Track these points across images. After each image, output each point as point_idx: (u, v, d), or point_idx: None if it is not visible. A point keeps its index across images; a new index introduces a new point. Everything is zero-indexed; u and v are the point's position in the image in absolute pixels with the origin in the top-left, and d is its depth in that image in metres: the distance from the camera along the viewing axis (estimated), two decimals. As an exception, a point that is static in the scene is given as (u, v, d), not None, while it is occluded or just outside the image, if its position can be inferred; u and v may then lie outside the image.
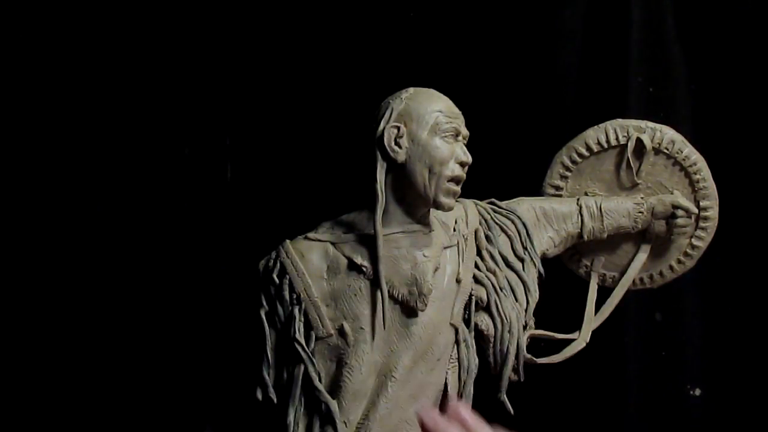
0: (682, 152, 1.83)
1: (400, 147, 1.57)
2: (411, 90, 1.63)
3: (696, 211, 1.83)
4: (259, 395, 1.64)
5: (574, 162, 1.88)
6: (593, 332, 1.84)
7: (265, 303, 1.65)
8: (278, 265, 1.64)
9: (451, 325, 1.64)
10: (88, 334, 2.33)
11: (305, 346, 1.59)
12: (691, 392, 2.39)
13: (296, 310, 1.60)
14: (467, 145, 1.64)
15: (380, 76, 2.16)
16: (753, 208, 2.28)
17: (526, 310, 1.71)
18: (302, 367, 1.59)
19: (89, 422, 2.33)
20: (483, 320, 1.67)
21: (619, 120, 1.87)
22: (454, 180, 1.59)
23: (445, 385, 1.66)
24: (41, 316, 2.32)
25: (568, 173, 1.89)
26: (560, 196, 1.89)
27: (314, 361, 1.60)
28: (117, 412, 2.31)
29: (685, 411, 2.40)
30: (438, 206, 1.60)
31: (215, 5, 2.36)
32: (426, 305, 1.59)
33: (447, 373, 1.66)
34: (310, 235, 1.66)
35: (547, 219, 1.81)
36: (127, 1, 2.34)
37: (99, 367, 2.33)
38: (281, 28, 2.37)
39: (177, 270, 2.34)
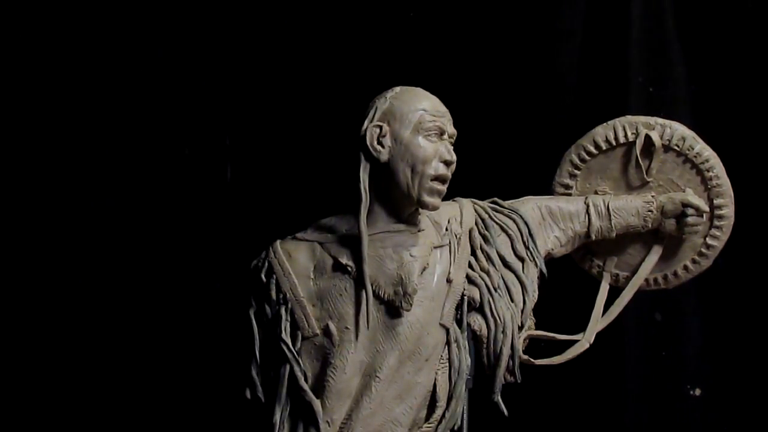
0: (693, 149, 1.72)
1: (382, 146, 1.51)
2: (397, 89, 1.56)
3: (707, 209, 1.72)
4: (248, 394, 1.58)
5: (582, 160, 1.78)
6: (593, 333, 1.75)
7: (253, 303, 1.58)
8: (266, 264, 1.58)
9: (441, 325, 1.55)
10: (89, 332, 2.27)
11: (291, 346, 1.53)
12: (691, 392, 2.31)
13: (282, 310, 1.54)
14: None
15: (381, 77, 2.07)
16: (752, 208, 2.18)
17: (522, 311, 1.60)
18: (288, 367, 1.53)
19: (89, 421, 2.26)
20: (476, 320, 1.58)
21: (629, 116, 1.76)
22: (438, 179, 1.51)
23: (434, 385, 1.56)
24: (39, 315, 2.26)
25: (577, 171, 1.78)
26: (570, 194, 1.78)
27: (300, 360, 1.53)
28: (111, 409, 2.25)
29: (685, 411, 2.32)
30: (422, 205, 1.52)
31: (215, 5, 2.29)
32: (411, 305, 1.51)
33: (436, 373, 1.56)
34: (299, 235, 1.60)
35: (553, 218, 1.70)
36: (127, 1, 2.27)
37: (98, 365, 2.27)
38: (281, 29, 2.30)
39: (176, 269, 2.27)
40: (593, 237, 1.70)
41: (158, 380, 2.24)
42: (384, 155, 1.50)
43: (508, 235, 1.63)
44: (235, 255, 2.01)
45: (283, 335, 1.52)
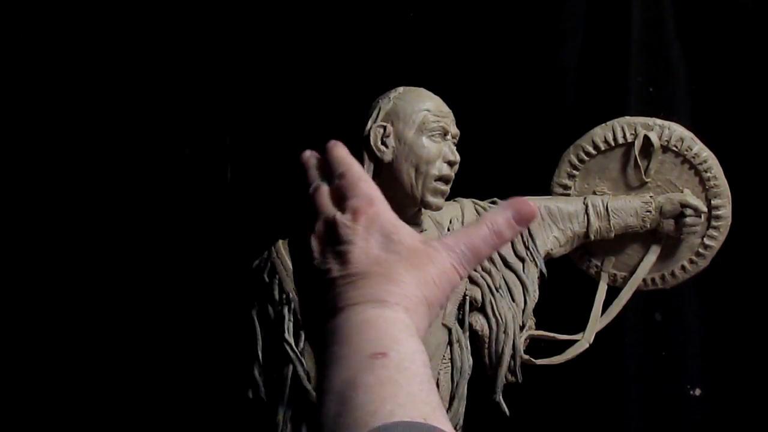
0: (691, 150, 1.74)
1: (386, 146, 1.51)
2: (401, 89, 1.56)
3: (705, 210, 1.73)
4: (250, 394, 1.58)
5: (581, 161, 1.79)
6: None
7: (256, 303, 1.59)
8: (269, 265, 1.58)
9: (444, 325, 1.56)
10: (89, 333, 2.25)
11: (294, 346, 1.53)
12: (691, 392, 2.31)
13: (285, 310, 1.55)
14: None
15: (381, 77, 2.07)
16: (752, 208, 2.18)
17: (523, 311, 1.62)
18: (291, 367, 1.53)
19: (90, 421, 2.25)
20: (478, 321, 1.60)
21: (627, 117, 1.78)
22: (442, 179, 1.52)
23: (437, 385, 1.54)
24: (40, 316, 2.25)
25: (575, 172, 1.79)
26: (568, 194, 1.80)
27: (303, 360, 1.54)
28: (112, 410, 2.24)
29: (685, 411, 2.32)
30: (426, 206, 1.53)
31: (215, 5, 2.28)
32: None
33: (439, 373, 1.57)
34: None
35: (552, 218, 1.72)
36: (127, 1, 2.26)
37: (100, 365, 2.25)
38: (281, 29, 2.29)
39: (176, 270, 2.26)
40: (592, 237, 1.72)
41: (160, 381, 2.23)
42: (388, 155, 1.51)
43: (509, 235, 1.65)
44: (237, 255, 2.02)
45: (287, 335, 1.52)
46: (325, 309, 0.74)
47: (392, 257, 0.75)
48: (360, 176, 0.81)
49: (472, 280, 1.59)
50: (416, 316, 0.74)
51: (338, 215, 0.78)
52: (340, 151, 0.84)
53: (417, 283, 0.75)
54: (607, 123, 1.77)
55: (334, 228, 0.77)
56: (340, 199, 0.79)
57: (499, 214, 0.78)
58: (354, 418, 0.66)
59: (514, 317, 1.60)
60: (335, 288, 0.74)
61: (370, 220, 0.77)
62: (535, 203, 0.77)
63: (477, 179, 1.70)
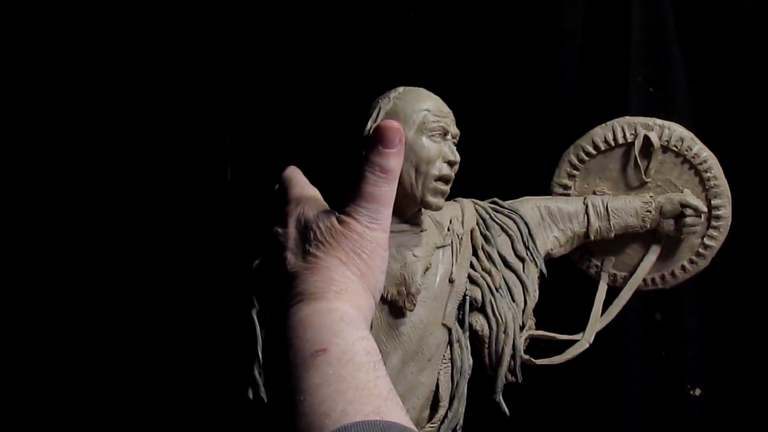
0: (691, 150, 1.73)
1: None
2: (400, 89, 1.54)
3: (705, 210, 1.73)
4: (250, 394, 1.56)
5: (581, 161, 1.78)
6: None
7: (256, 302, 1.56)
8: None
9: (444, 325, 1.55)
10: (89, 333, 2.27)
11: None
12: (691, 392, 2.32)
13: None
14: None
15: (381, 77, 2.07)
16: (753, 208, 2.19)
17: (523, 311, 1.61)
18: None
19: (89, 421, 2.27)
20: (477, 320, 1.58)
21: (627, 117, 1.77)
22: (442, 179, 1.50)
23: (437, 385, 1.57)
24: (38, 315, 2.27)
25: (575, 172, 1.79)
26: (568, 194, 1.80)
27: None
28: (110, 409, 2.26)
29: (685, 411, 2.33)
30: (426, 206, 1.51)
31: (215, 5, 2.29)
32: (414, 305, 1.51)
33: (439, 373, 1.56)
34: None
35: (552, 218, 1.72)
36: (127, 1, 2.27)
37: (98, 365, 2.27)
38: (281, 28, 2.30)
39: (176, 270, 2.27)
40: (592, 237, 1.72)
41: (160, 381, 2.24)
42: None
43: (509, 236, 1.64)
44: (237, 255, 2.03)
45: None
46: (275, 321, 0.76)
47: (315, 248, 0.77)
48: (293, 184, 0.83)
49: (472, 280, 1.58)
50: (350, 294, 0.75)
51: (275, 228, 0.80)
52: (286, 172, 0.86)
53: (340, 263, 0.76)
54: (607, 123, 1.76)
55: (275, 241, 0.78)
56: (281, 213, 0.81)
57: (368, 154, 0.80)
58: (306, 423, 0.66)
59: (514, 317, 1.59)
60: (278, 297, 0.76)
61: (296, 220, 0.80)
62: (399, 125, 0.77)
63: (477, 179, 1.70)
